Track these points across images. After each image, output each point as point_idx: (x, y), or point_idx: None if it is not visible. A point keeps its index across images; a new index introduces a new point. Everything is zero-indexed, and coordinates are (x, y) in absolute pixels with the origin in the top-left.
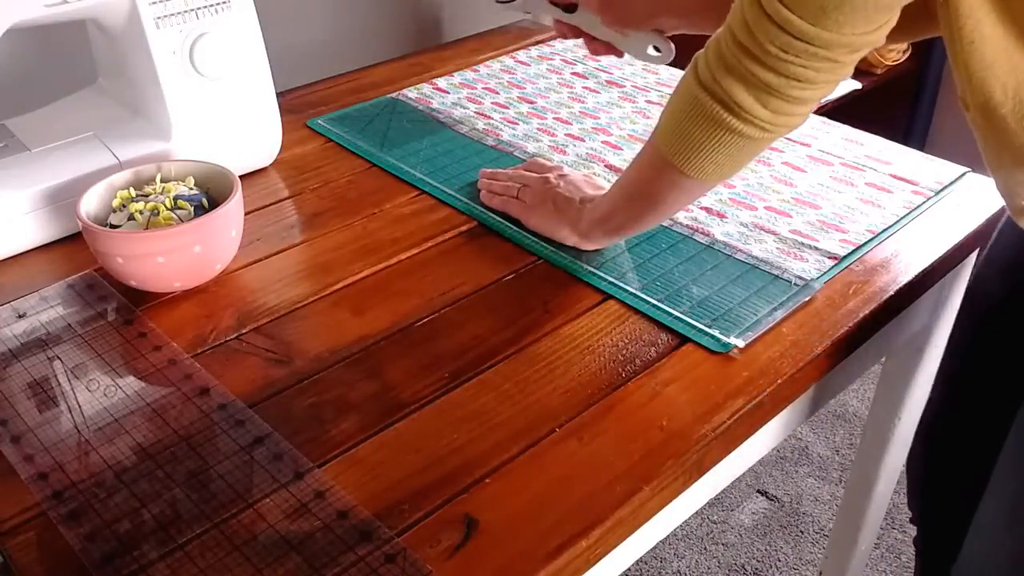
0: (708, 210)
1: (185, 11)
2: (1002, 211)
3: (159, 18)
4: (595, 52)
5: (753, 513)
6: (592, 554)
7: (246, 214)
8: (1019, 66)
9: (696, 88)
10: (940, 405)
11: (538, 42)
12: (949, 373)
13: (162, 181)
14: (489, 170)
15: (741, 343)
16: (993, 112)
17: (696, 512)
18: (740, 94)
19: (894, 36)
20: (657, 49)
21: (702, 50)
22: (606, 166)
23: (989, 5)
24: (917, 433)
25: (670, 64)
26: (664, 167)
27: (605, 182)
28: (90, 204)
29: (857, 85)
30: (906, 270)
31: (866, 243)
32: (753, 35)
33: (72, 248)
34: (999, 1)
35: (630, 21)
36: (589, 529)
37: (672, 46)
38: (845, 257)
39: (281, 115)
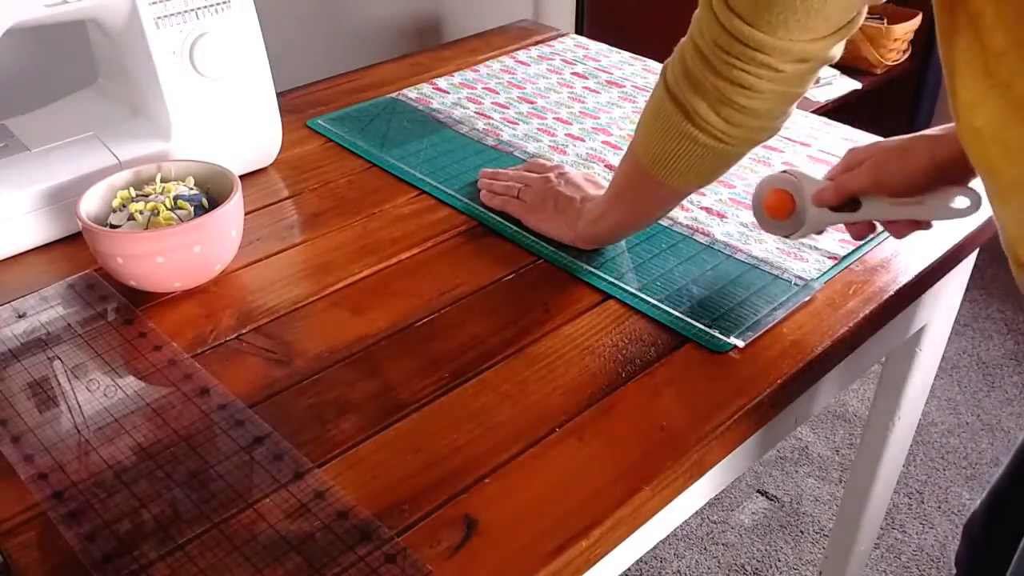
0: (708, 210)
1: (185, 11)
2: None
3: (159, 18)
4: (899, 234)
5: (753, 513)
6: (592, 554)
7: (246, 214)
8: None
9: (663, 96)
10: (1012, 477)
11: (538, 42)
12: None
13: (162, 181)
14: (490, 170)
15: (741, 343)
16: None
17: (696, 512)
18: (696, 101)
19: None
20: (964, 199)
21: (670, 58)
22: (606, 166)
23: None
24: (984, 500)
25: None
26: (643, 172)
27: (606, 181)
28: (90, 204)
29: (857, 85)
30: (906, 270)
31: (866, 243)
32: (704, 37)
33: (72, 248)
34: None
35: (913, 185)
36: (589, 529)
37: (979, 194)
38: (845, 257)
39: (281, 115)
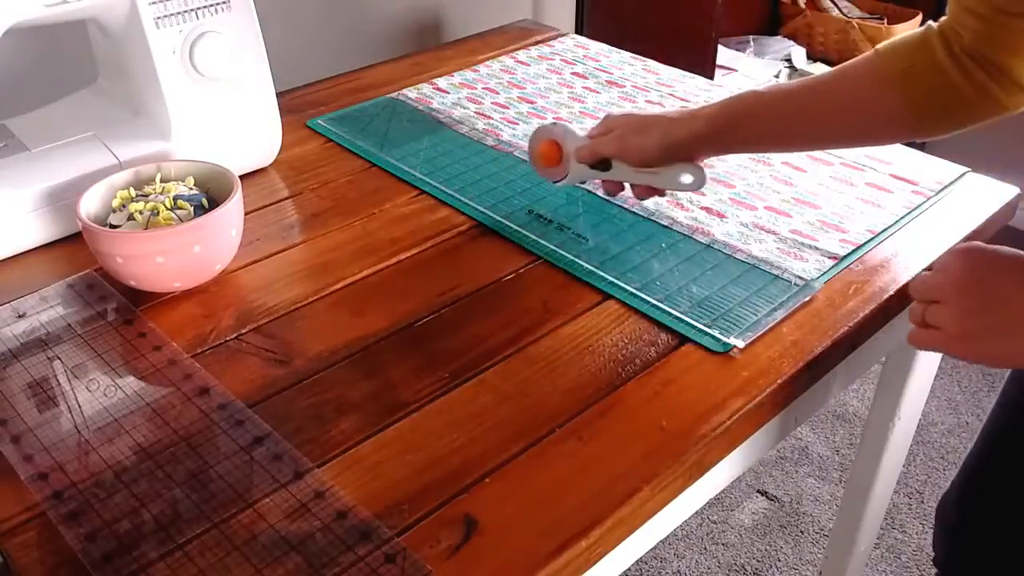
0: (708, 210)
1: (185, 11)
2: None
3: (159, 18)
4: (639, 196)
5: (753, 513)
6: (592, 554)
7: (246, 214)
8: None
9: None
10: (982, 458)
11: (538, 42)
12: (996, 427)
13: (162, 181)
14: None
15: (741, 343)
16: None
17: (696, 512)
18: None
19: None
20: (690, 175)
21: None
22: None
23: None
24: (955, 482)
25: (667, 63)
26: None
27: None
28: (90, 204)
29: None
30: (906, 270)
31: (866, 243)
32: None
33: (72, 248)
34: None
35: (648, 159)
36: (589, 529)
37: (705, 172)
38: (845, 257)
39: (281, 115)
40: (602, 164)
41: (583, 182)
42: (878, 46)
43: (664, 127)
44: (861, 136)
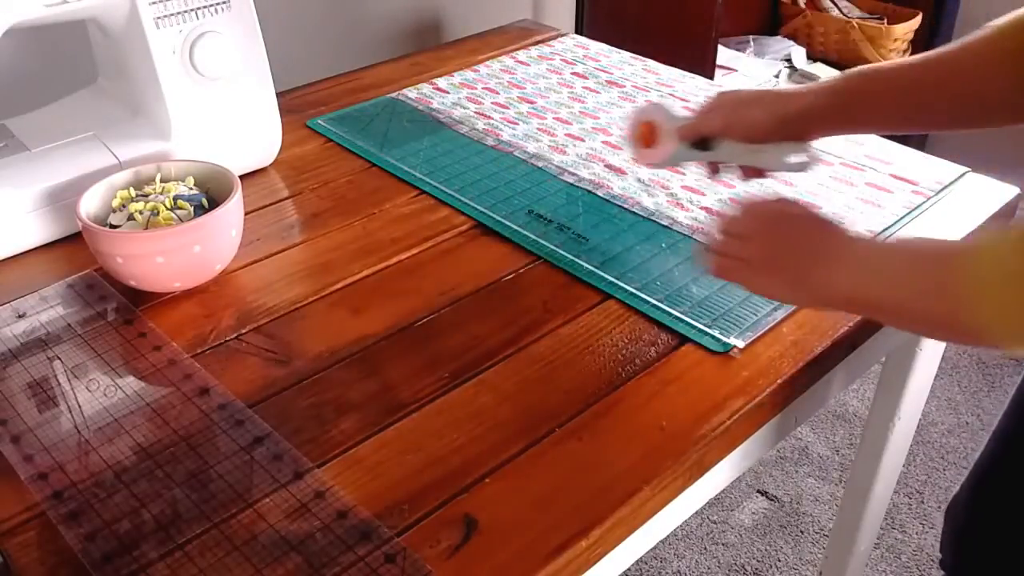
0: (708, 210)
1: (185, 11)
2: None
3: (159, 18)
4: (743, 178)
5: (753, 513)
6: (592, 554)
7: (246, 214)
8: None
9: None
10: (992, 459)
11: (538, 42)
12: (1007, 429)
13: (162, 181)
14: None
15: (741, 343)
16: None
17: (696, 512)
18: None
19: None
20: (799, 155)
21: None
22: (606, 166)
23: None
24: (966, 483)
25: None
26: (962, 327)
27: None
28: (90, 204)
29: None
30: None
31: None
32: None
33: (72, 248)
34: None
35: (757, 134)
36: (589, 529)
37: (814, 152)
38: None
39: (281, 115)
40: (702, 144)
41: (678, 166)
42: (998, 21)
43: (776, 99)
44: (978, 115)
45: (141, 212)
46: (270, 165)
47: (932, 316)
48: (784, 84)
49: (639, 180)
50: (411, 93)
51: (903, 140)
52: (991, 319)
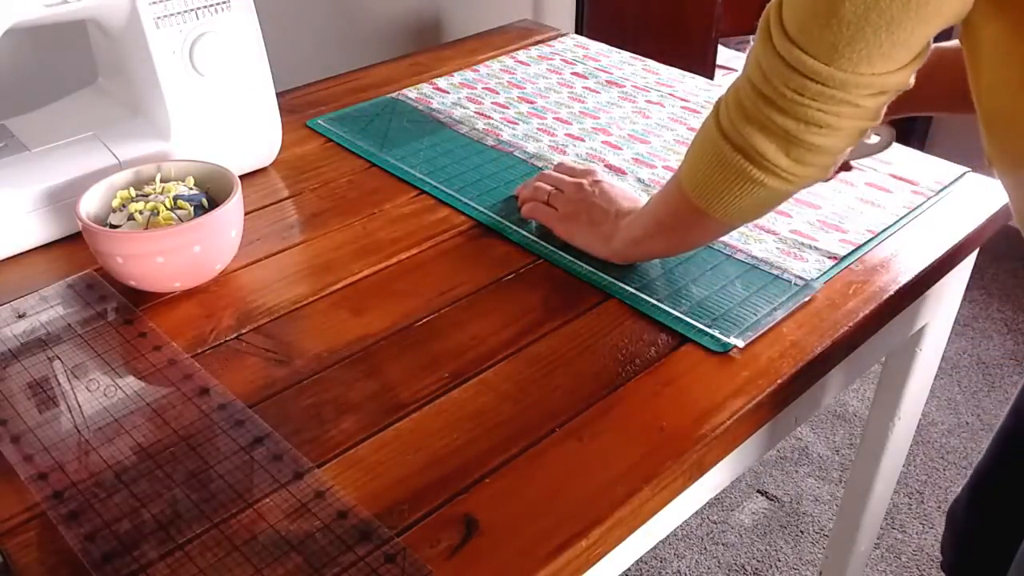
0: None
1: (185, 11)
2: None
3: (159, 18)
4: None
5: (753, 513)
6: (592, 554)
7: (246, 214)
8: None
9: (717, 136)
10: (994, 461)
11: (538, 42)
12: (1009, 430)
13: (162, 181)
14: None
15: (741, 343)
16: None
17: (696, 512)
18: (761, 143)
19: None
20: (876, 136)
21: (722, 96)
22: (606, 166)
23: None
24: (967, 484)
25: (667, 63)
26: (692, 208)
27: (643, 194)
28: (90, 204)
29: None
30: (906, 270)
31: (866, 243)
32: (769, 80)
33: (72, 248)
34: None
35: None
36: (589, 529)
37: (892, 131)
38: (845, 257)
39: (281, 115)
40: None
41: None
42: None
43: None
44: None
45: (141, 212)
46: (270, 165)
47: (672, 206)
48: None
49: (639, 180)
50: (411, 93)
51: (903, 140)
52: (686, 182)
